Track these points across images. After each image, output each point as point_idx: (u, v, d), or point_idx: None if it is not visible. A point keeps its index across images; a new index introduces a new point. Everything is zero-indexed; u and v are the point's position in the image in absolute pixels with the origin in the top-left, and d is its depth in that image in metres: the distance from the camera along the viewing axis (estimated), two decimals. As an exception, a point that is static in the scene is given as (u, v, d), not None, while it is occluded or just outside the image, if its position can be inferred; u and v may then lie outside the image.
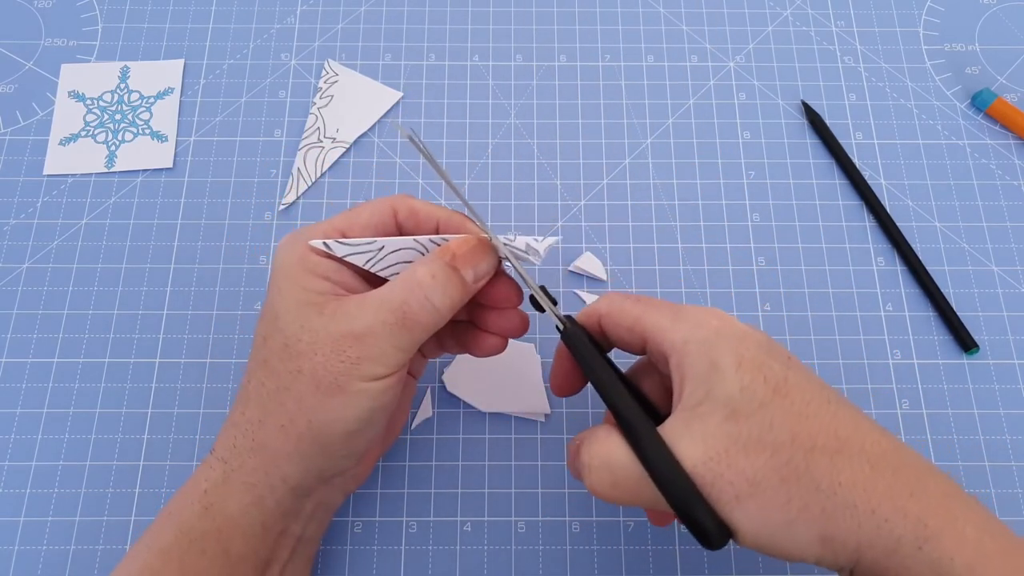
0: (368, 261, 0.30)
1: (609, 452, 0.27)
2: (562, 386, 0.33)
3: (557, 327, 0.31)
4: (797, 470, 0.25)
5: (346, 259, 0.30)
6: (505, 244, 0.30)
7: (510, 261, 0.31)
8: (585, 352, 0.30)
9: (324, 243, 0.29)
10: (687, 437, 0.26)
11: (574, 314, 0.31)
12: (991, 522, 0.25)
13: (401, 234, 0.31)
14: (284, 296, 0.29)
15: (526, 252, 0.31)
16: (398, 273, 0.30)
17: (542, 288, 0.31)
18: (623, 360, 0.33)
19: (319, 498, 0.31)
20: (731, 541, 0.26)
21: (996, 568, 0.24)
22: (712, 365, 0.26)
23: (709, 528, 0.25)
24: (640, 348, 0.30)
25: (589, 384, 0.40)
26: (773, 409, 0.26)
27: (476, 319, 0.34)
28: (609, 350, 0.32)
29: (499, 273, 0.32)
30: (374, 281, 0.31)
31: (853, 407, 0.27)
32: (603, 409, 0.39)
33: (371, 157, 0.46)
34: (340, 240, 0.30)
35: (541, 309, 0.31)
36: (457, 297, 0.29)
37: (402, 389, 0.32)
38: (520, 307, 0.33)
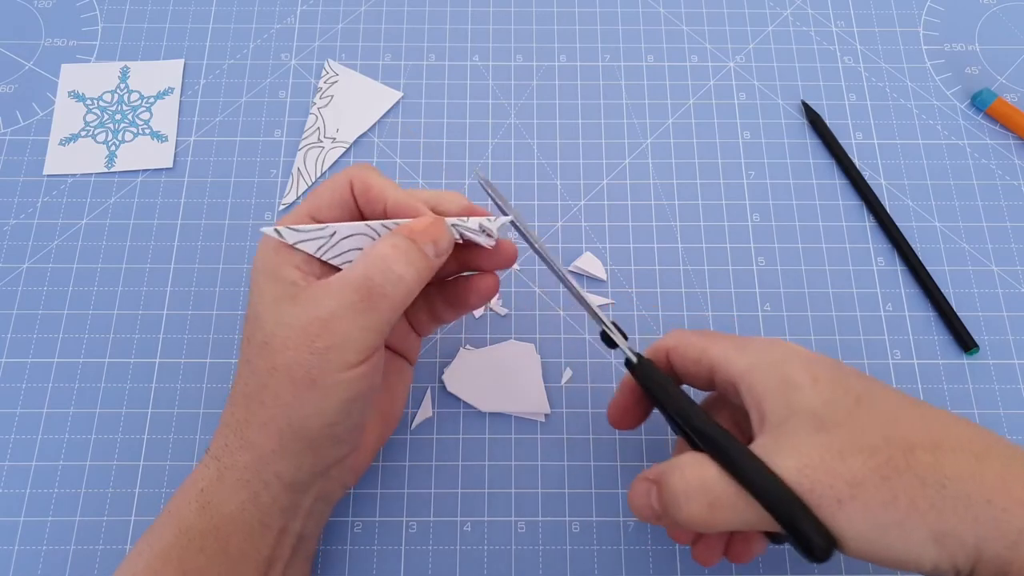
0: (320, 248, 0.30)
1: (704, 475, 0.26)
2: (623, 419, 0.33)
3: (628, 361, 0.31)
4: (898, 468, 0.24)
5: (298, 246, 0.29)
6: (455, 225, 0.30)
7: (580, 300, 0.31)
8: (663, 382, 0.30)
9: (275, 230, 0.29)
10: (779, 452, 0.25)
11: (642, 351, 0.32)
12: None
13: (358, 208, 0.31)
14: (261, 292, 0.29)
15: (479, 231, 0.30)
16: (351, 261, 0.30)
17: (614, 323, 0.31)
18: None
19: (317, 492, 0.31)
20: (839, 552, 0.25)
21: None
22: (788, 383, 0.26)
23: (813, 537, 0.24)
24: (707, 381, 0.30)
25: (589, 388, 0.40)
26: (861, 416, 0.25)
27: (466, 263, 0.33)
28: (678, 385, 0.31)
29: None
30: None
31: (941, 410, 0.27)
32: (603, 409, 0.39)
33: (371, 157, 0.46)
34: (291, 227, 0.29)
35: (612, 344, 0.31)
36: (422, 267, 0.28)
37: (385, 375, 0.31)
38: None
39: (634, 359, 0.31)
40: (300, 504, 0.31)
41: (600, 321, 0.31)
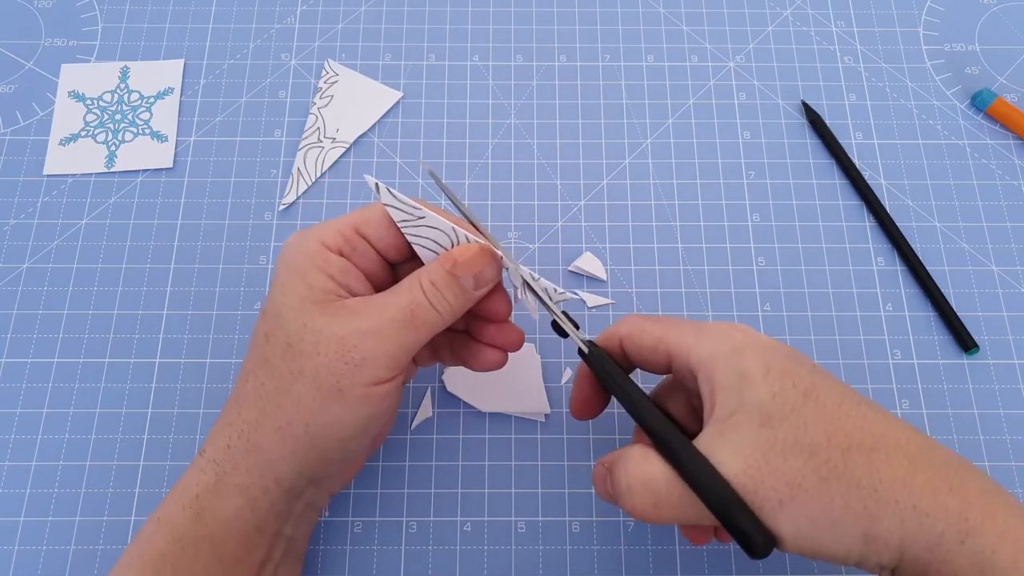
0: (403, 221, 0.30)
1: (647, 471, 0.27)
2: (583, 410, 0.33)
3: (580, 351, 0.31)
4: (836, 469, 0.25)
5: (388, 206, 0.30)
6: (521, 272, 0.31)
7: (528, 283, 0.31)
8: (612, 372, 0.30)
9: (376, 183, 0.29)
10: (724, 447, 0.26)
11: (594, 337, 0.32)
12: None
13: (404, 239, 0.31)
14: (287, 292, 0.28)
15: (543, 291, 0.31)
16: (423, 247, 0.30)
17: (564, 313, 0.31)
18: (645, 384, 0.33)
19: (308, 499, 0.31)
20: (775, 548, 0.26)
21: None
22: (741, 375, 0.26)
23: (754, 536, 0.25)
24: (664, 367, 0.30)
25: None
26: (806, 412, 0.26)
27: (473, 331, 0.33)
28: (631, 371, 0.32)
29: (497, 287, 0.32)
30: (377, 289, 0.31)
31: (882, 408, 0.27)
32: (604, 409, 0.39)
33: (371, 157, 0.46)
34: (392, 190, 0.29)
35: (564, 334, 0.31)
36: (457, 303, 0.29)
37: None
38: (512, 319, 0.33)
39: (585, 349, 0.31)
40: (293, 509, 0.31)
41: (550, 311, 0.31)
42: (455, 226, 0.30)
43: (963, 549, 0.24)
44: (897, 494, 0.24)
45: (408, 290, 0.29)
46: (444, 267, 0.29)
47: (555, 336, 0.41)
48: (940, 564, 0.24)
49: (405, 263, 0.32)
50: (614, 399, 0.31)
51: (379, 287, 0.31)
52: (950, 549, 0.24)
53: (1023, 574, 0.23)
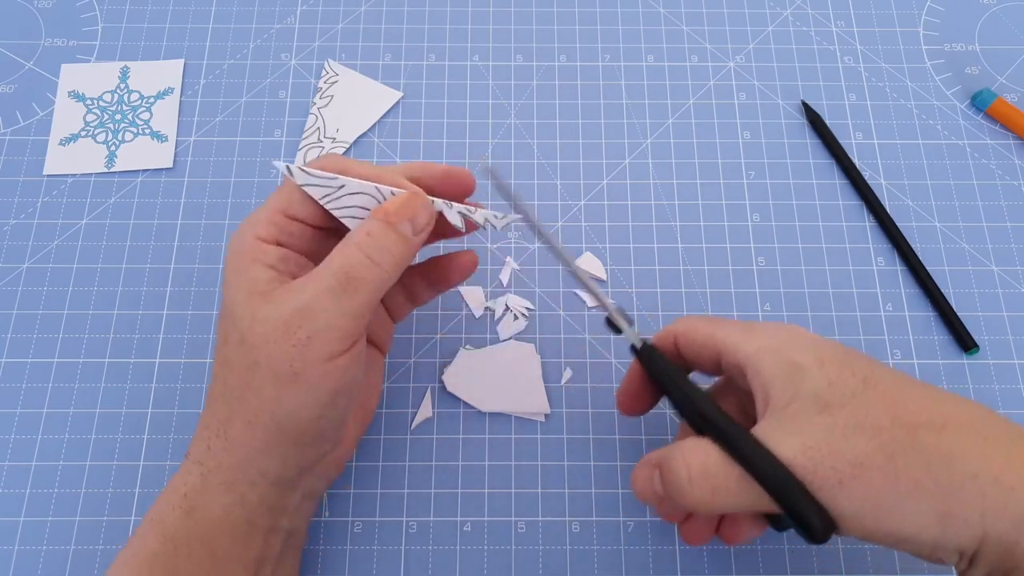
0: (325, 196, 0.30)
1: (706, 460, 0.26)
2: (633, 406, 0.33)
3: (633, 347, 0.31)
4: (903, 446, 0.24)
5: (305, 187, 0.29)
6: (459, 212, 0.31)
7: (583, 283, 0.32)
8: (666, 368, 0.30)
9: (287, 167, 0.29)
10: (782, 433, 0.25)
11: (650, 337, 0.32)
12: None
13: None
14: (233, 289, 0.29)
15: (485, 220, 0.31)
16: (353, 217, 0.30)
17: (619, 309, 0.31)
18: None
19: (305, 489, 0.31)
20: (839, 536, 0.25)
21: None
22: (793, 366, 0.26)
23: (811, 519, 0.24)
24: (714, 365, 0.30)
25: (589, 388, 0.40)
26: (867, 397, 0.25)
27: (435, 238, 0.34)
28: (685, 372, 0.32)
29: (438, 219, 0.32)
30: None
31: (948, 392, 0.26)
32: (604, 409, 0.39)
33: (371, 157, 0.46)
34: (303, 168, 0.29)
35: (617, 331, 0.31)
36: (398, 251, 0.29)
37: (365, 367, 0.31)
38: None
39: (639, 345, 0.31)
40: (288, 502, 0.30)
41: (606, 308, 0.31)
42: (377, 185, 0.29)
43: None
44: (975, 467, 0.23)
45: (340, 254, 0.28)
46: (377, 217, 0.29)
47: (555, 336, 0.41)
48: None
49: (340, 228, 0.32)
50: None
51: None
52: None
53: None
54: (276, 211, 0.30)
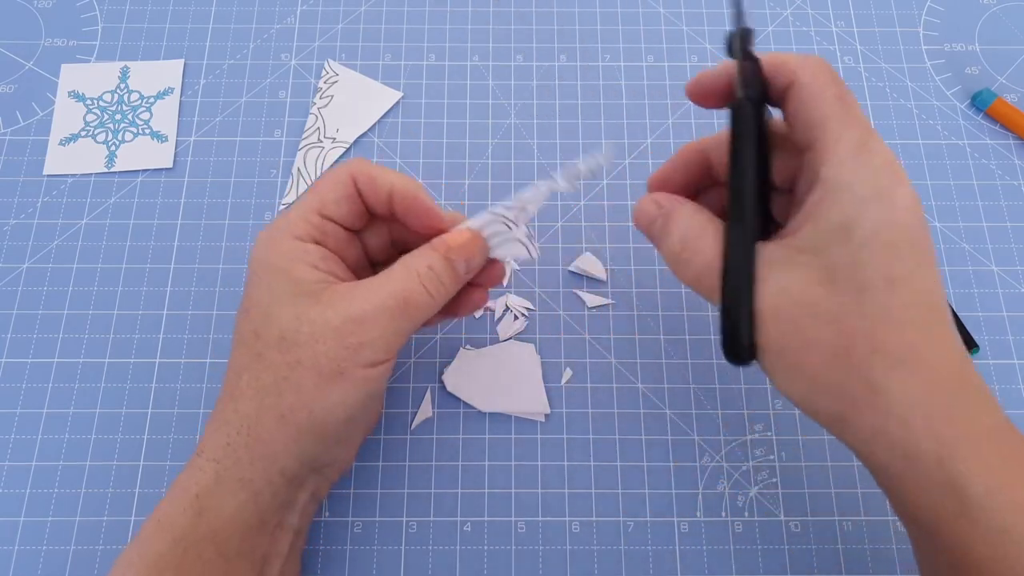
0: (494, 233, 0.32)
1: (701, 233, 0.28)
2: (707, 97, 0.32)
3: (736, 93, 0.29)
4: (851, 360, 0.24)
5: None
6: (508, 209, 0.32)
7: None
8: (747, 134, 0.28)
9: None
10: (778, 271, 0.26)
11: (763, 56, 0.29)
12: None
13: (363, 199, 0.32)
14: (273, 290, 0.29)
15: (518, 242, 0.32)
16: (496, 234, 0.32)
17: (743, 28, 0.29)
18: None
19: (311, 488, 0.32)
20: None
21: (1017, 497, 0.23)
22: (847, 235, 0.24)
23: (744, 336, 0.26)
24: (799, 124, 0.27)
25: (589, 388, 0.40)
26: (869, 297, 0.24)
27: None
28: (767, 103, 0.29)
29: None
30: (358, 270, 0.33)
31: (955, 337, 0.25)
32: (603, 410, 0.39)
33: (371, 157, 0.45)
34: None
35: (747, 55, 0.29)
36: (451, 288, 0.31)
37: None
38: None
39: (741, 93, 0.28)
40: (297, 499, 0.31)
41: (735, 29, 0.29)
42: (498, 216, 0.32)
43: (940, 471, 0.24)
44: (894, 406, 0.24)
45: (402, 278, 0.29)
46: (439, 252, 0.30)
47: (555, 336, 0.41)
48: (914, 477, 0.24)
49: (366, 229, 0.33)
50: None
51: (352, 261, 0.32)
52: (927, 468, 0.24)
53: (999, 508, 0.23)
54: (312, 211, 0.31)
